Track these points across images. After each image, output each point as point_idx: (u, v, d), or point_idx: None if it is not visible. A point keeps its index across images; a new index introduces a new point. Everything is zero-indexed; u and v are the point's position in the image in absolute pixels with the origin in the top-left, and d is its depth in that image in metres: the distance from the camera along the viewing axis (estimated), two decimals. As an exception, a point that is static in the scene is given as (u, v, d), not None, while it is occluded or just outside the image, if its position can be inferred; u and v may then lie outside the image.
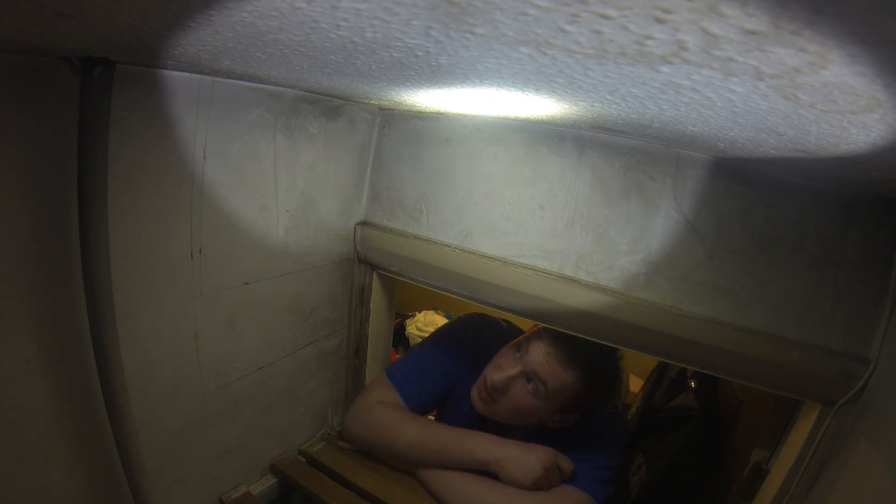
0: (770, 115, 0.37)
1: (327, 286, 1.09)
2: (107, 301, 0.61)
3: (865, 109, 0.30)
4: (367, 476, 1.03)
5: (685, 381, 1.71)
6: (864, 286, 0.71)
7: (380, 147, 1.09)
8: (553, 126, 0.88)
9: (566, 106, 0.56)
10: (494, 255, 0.96)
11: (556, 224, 0.91)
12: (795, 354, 0.74)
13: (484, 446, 0.98)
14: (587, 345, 0.93)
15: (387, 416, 1.05)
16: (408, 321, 2.81)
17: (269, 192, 0.88)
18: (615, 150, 0.84)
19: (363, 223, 1.12)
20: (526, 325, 1.09)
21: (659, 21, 0.23)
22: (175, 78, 0.66)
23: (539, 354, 0.96)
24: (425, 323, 2.78)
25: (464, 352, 1.15)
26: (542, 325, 1.00)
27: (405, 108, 0.99)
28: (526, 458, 0.96)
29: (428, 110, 0.97)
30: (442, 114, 0.99)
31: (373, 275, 1.14)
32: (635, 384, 2.41)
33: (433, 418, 1.23)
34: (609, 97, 0.45)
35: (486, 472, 0.98)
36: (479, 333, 1.18)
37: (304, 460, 1.09)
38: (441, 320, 2.79)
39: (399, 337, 2.67)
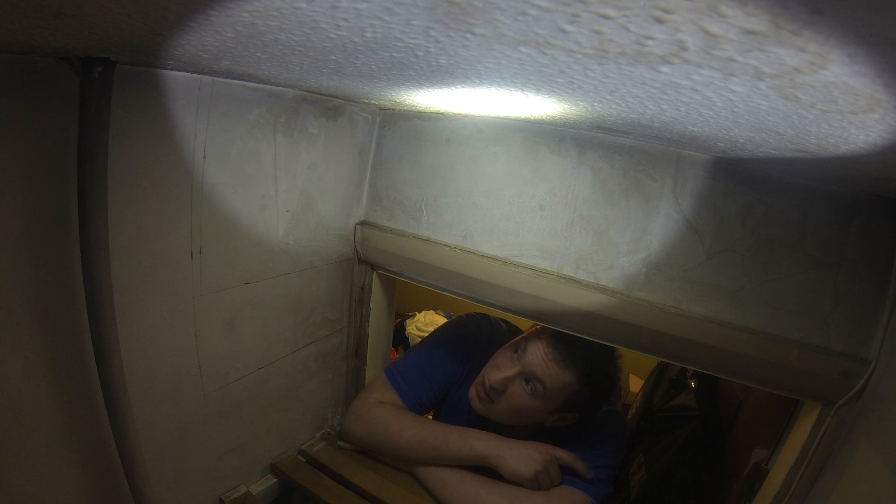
0: (770, 115, 0.37)
1: (327, 286, 1.09)
2: (107, 301, 0.61)
3: (865, 109, 0.30)
4: (367, 476, 1.03)
5: (685, 381, 1.72)
6: (864, 286, 0.71)
7: (380, 147, 1.09)
8: (553, 126, 0.88)
9: (566, 106, 0.56)
10: (494, 255, 0.96)
11: (556, 224, 0.91)
12: (795, 354, 0.74)
13: (484, 441, 0.99)
14: (585, 344, 0.93)
15: (386, 415, 1.05)
16: (408, 321, 2.81)
17: (269, 192, 0.88)
18: (615, 150, 0.84)
19: (363, 223, 1.12)
20: (525, 325, 1.09)
21: (659, 21, 0.23)
22: (175, 78, 0.66)
23: (537, 355, 0.96)
24: (425, 323, 2.78)
25: (463, 352, 1.15)
26: (541, 325, 1.00)
27: (405, 108, 0.99)
28: (526, 451, 0.97)
29: (428, 110, 0.97)
30: (442, 114, 0.99)
31: (373, 275, 1.14)
32: (635, 384, 2.41)
33: (431, 418, 1.23)
34: (609, 97, 0.45)
35: (486, 469, 0.98)
36: (479, 333, 1.18)
37: (304, 460, 1.09)
38: (441, 320, 2.79)
39: (399, 337, 2.68)
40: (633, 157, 0.83)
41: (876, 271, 0.70)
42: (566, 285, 0.89)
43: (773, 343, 0.75)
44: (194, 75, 0.69)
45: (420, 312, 2.90)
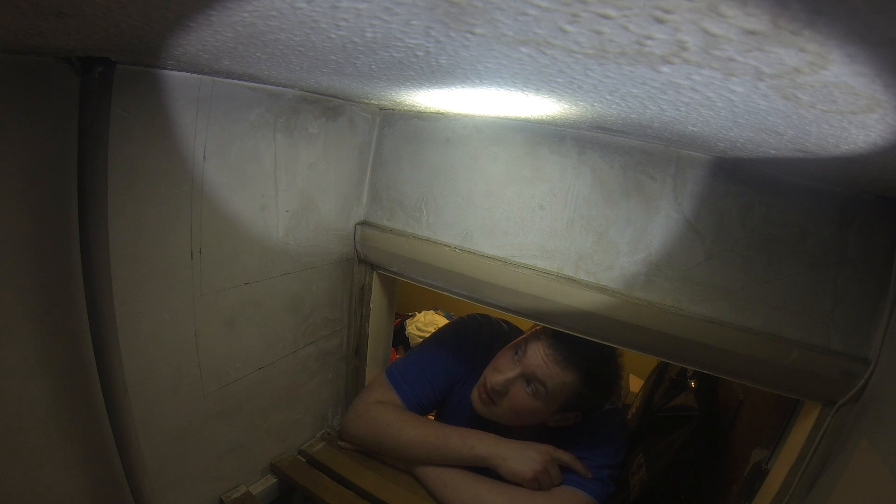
0: (770, 115, 0.37)
1: (327, 286, 1.09)
2: (107, 301, 0.61)
3: (865, 109, 0.30)
4: (367, 476, 1.03)
5: (685, 381, 1.71)
6: (864, 286, 0.71)
7: (380, 147, 1.09)
8: (553, 126, 0.88)
9: (566, 106, 0.56)
10: (494, 255, 0.96)
11: (556, 224, 0.91)
12: (795, 354, 0.74)
13: (485, 442, 0.99)
14: (586, 344, 0.92)
15: (386, 415, 1.05)
16: (408, 321, 2.81)
17: (269, 192, 0.88)
18: (615, 150, 0.84)
19: (363, 223, 1.12)
20: (526, 325, 1.09)
21: (659, 21, 0.23)
22: (175, 78, 0.66)
23: (537, 356, 0.96)
24: (425, 323, 2.78)
25: (464, 353, 1.15)
26: (541, 325, 1.00)
27: (405, 108, 0.99)
28: (526, 452, 0.97)
29: (428, 110, 0.97)
30: (442, 114, 0.99)
31: (373, 275, 1.14)
32: (635, 384, 2.41)
33: (433, 419, 1.23)
34: (609, 97, 0.45)
35: (487, 469, 0.98)
36: (480, 334, 1.18)
37: (304, 460, 1.09)
38: (441, 320, 2.79)
39: (399, 337, 2.68)
40: (633, 157, 0.83)
41: (876, 271, 0.70)
42: (566, 285, 0.89)
43: (773, 343, 0.75)
44: (194, 75, 0.69)
45: (420, 312, 2.90)
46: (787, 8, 0.20)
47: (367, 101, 0.94)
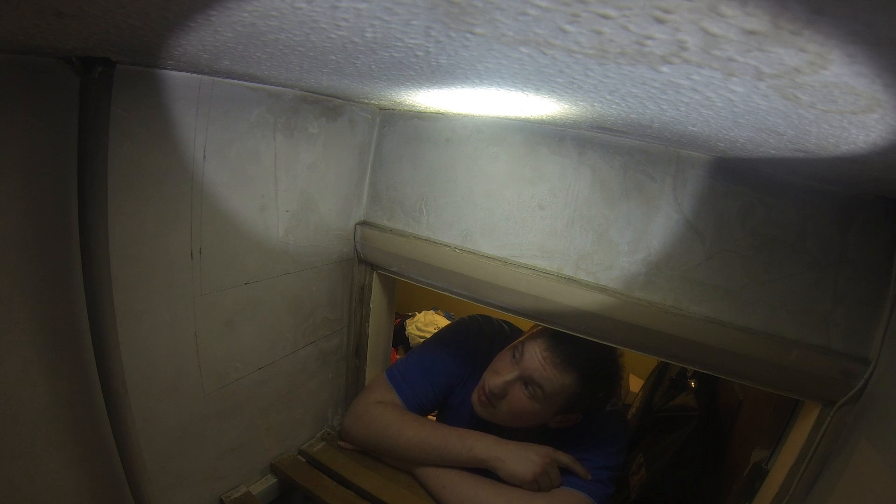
0: (770, 115, 0.37)
1: (327, 286, 1.09)
2: (107, 301, 0.61)
3: (865, 109, 0.30)
4: (367, 476, 1.03)
5: (685, 381, 1.72)
6: (864, 286, 0.71)
7: (380, 147, 1.09)
8: (553, 126, 0.88)
9: (566, 106, 0.56)
10: (494, 256, 0.96)
11: (556, 224, 0.91)
12: (795, 354, 0.74)
13: (484, 444, 0.99)
14: (585, 345, 0.92)
15: (386, 415, 1.05)
16: (408, 321, 2.81)
17: (269, 192, 0.88)
18: (615, 150, 0.84)
19: (363, 223, 1.12)
20: (527, 326, 1.09)
21: (659, 21, 0.23)
22: (175, 78, 0.66)
23: (535, 359, 0.96)
24: (425, 323, 2.78)
25: (464, 353, 1.15)
26: (540, 326, 1.00)
27: (405, 108, 0.99)
28: (525, 454, 0.97)
29: (428, 110, 0.97)
30: (442, 114, 0.99)
31: (373, 275, 1.14)
32: (635, 384, 2.41)
33: (434, 419, 1.23)
34: (609, 97, 0.45)
35: (486, 471, 0.98)
36: (480, 335, 1.18)
37: (304, 460, 1.09)
38: (441, 320, 2.79)
39: (399, 337, 2.67)
40: (633, 157, 0.83)
41: (876, 271, 0.70)
42: (566, 285, 0.89)
43: (773, 343, 0.75)
44: (194, 75, 0.69)
45: (420, 312, 2.90)
46: (787, 8, 0.20)
47: (367, 101, 0.94)
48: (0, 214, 0.55)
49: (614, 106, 0.49)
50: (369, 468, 1.05)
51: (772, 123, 0.40)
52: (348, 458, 1.08)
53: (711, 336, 0.79)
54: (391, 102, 0.91)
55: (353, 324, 1.19)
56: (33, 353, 0.60)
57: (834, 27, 0.20)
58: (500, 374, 0.99)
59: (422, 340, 2.55)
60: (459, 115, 0.97)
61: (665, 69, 0.31)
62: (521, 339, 1.05)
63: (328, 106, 0.94)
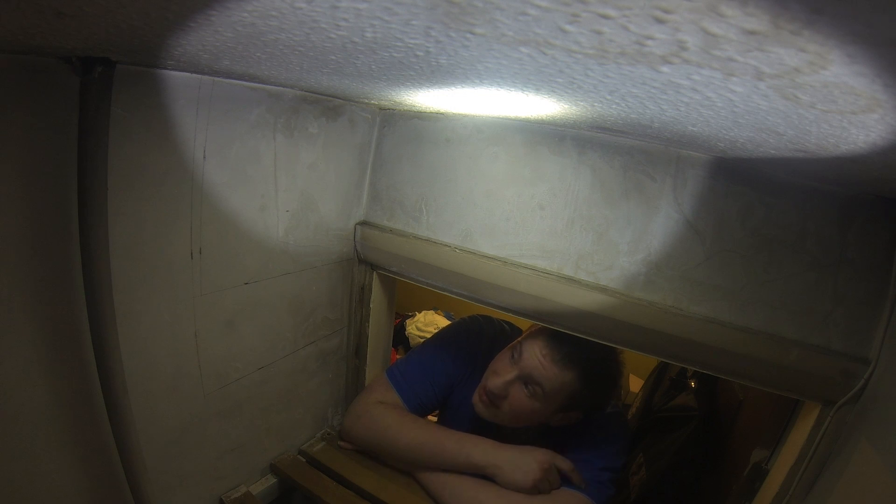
0: (770, 115, 0.37)
1: (327, 286, 1.09)
2: (107, 301, 0.61)
3: (865, 109, 0.30)
4: (367, 476, 1.03)
5: (685, 381, 1.72)
6: (864, 286, 0.71)
7: (380, 147, 1.09)
8: (553, 126, 0.88)
9: (566, 106, 0.56)
10: (494, 255, 0.96)
11: (556, 224, 0.91)
12: (795, 354, 0.74)
13: (481, 450, 0.98)
14: (583, 344, 0.92)
15: (386, 416, 1.05)
16: (408, 321, 2.81)
17: (269, 192, 0.88)
18: (615, 150, 0.84)
19: (363, 223, 1.12)
20: (527, 325, 1.09)
21: (659, 21, 0.23)
22: (175, 78, 0.66)
23: (534, 358, 0.96)
24: (425, 323, 2.77)
25: (464, 353, 1.15)
26: (539, 325, 0.99)
27: (405, 108, 0.99)
28: (524, 460, 0.96)
29: (428, 110, 0.97)
30: (442, 114, 0.99)
31: (373, 275, 1.14)
32: (635, 384, 2.41)
33: (435, 419, 1.23)
34: (609, 97, 0.45)
35: (484, 476, 0.98)
36: (481, 335, 1.18)
37: (304, 460, 1.09)
38: (441, 320, 2.79)
39: (399, 337, 2.67)
40: (633, 157, 0.83)
41: (876, 271, 0.70)
42: (566, 285, 0.89)
43: (773, 343, 0.75)
44: (194, 75, 0.69)
45: (420, 312, 2.90)
46: (787, 8, 0.20)
47: (367, 101, 0.94)
48: (0, 214, 0.55)
49: (614, 106, 0.49)
50: (369, 468, 1.05)
51: (772, 123, 0.40)
52: (348, 457, 1.08)
53: (711, 336, 0.79)
54: (391, 102, 0.91)
55: (353, 324, 1.19)
56: (33, 353, 0.60)
57: (834, 27, 0.20)
58: (499, 374, 0.99)
59: (422, 340, 2.55)
60: (459, 115, 0.97)
61: (665, 69, 0.31)
62: (519, 339, 1.05)
63: (328, 106, 0.94)
